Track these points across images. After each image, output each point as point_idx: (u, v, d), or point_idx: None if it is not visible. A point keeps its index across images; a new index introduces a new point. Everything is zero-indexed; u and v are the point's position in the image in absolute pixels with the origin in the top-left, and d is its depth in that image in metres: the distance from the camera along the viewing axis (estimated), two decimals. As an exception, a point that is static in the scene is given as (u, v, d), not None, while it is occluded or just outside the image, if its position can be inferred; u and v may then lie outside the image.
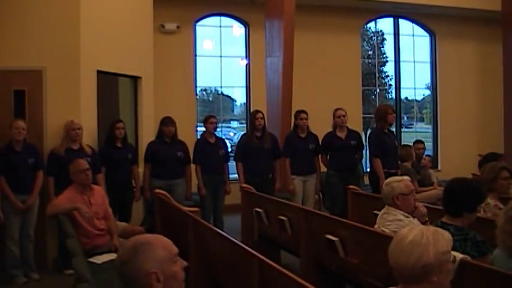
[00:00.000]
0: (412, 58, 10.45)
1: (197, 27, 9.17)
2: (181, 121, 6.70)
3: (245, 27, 9.44)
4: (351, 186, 5.52)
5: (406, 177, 3.57)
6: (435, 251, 1.74)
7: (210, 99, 11.02)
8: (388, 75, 11.36)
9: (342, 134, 6.34)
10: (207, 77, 9.51)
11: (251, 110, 7.44)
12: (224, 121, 11.59)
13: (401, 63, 10.38)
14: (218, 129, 8.12)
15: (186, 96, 8.84)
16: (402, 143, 8.69)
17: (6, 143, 5.11)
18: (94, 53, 5.73)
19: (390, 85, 11.07)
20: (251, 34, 9.30)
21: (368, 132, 8.65)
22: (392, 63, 10.47)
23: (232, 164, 6.48)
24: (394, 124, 7.91)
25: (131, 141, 6.26)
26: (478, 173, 5.30)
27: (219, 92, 10.14)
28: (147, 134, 6.51)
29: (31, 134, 5.27)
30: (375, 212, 3.92)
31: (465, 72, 10.29)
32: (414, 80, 10.57)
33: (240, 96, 10.45)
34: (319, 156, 6.52)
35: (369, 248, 3.37)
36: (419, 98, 11.23)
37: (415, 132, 10.80)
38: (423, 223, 3.37)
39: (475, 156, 6.86)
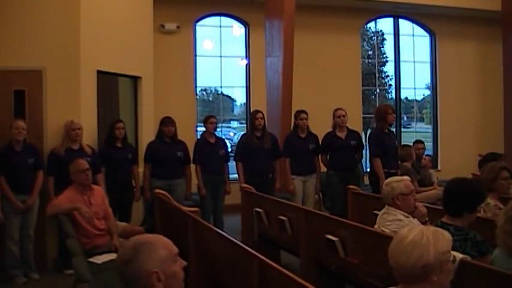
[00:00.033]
0: (412, 58, 10.45)
1: (197, 27, 9.17)
2: (181, 121, 6.71)
3: (245, 27, 9.44)
4: (351, 186, 5.52)
5: (406, 177, 3.57)
6: (435, 251, 1.74)
7: (210, 99, 11.02)
8: (388, 75, 11.37)
9: (341, 134, 6.34)
10: (207, 77, 9.51)
11: (251, 110, 7.44)
12: (224, 121, 11.59)
13: (401, 63, 10.38)
14: (218, 129, 8.12)
15: (186, 96, 8.84)
16: (402, 143, 8.70)
17: (6, 143, 5.11)
18: (94, 53, 5.73)
19: (390, 85, 11.07)
20: (251, 34, 9.30)
21: (368, 132, 8.65)
22: (392, 63, 10.47)
23: (232, 164, 6.48)
24: (394, 124, 7.91)
25: (131, 141, 6.26)
26: (478, 173, 5.30)
27: (219, 92, 10.14)
28: (147, 134, 6.52)
29: (31, 134, 5.27)
30: (375, 212, 3.92)
31: (465, 72, 10.29)
32: (414, 80, 10.57)
33: (240, 96, 10.46)
34: (319, 156, 6.52)
35: (369, 248, 3.37)
36: (419, 98, 11.23)
37: (415, 132, 10.80)
38: (423, 223, 3.37)
39: (475, 156, 6.86)
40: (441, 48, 10.33)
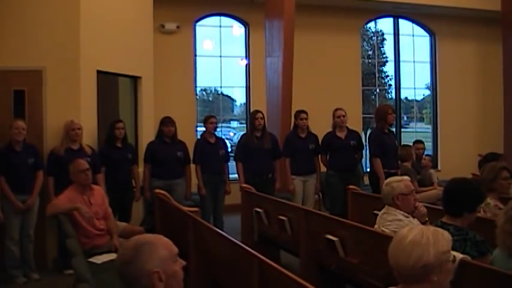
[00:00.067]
0: (412, 58, 10.45)
1: (197, 27, 9.16)
2: (181, 121, 6.70)
3: (245, 27, 9.44)
4: (350, 186, 5.52)
5: (406, 177, 3.57)
6: (435, 250, 1.74)
7: (210, 99, 11.02)
8: (388, 75, 11.37)
9: (341, 134, 6.34)
10: (207, 77, 9.51)
11: (251, 110, 7.44)
12: (224, 121, 11.59)
13: (401, 63, 10.38)
14: (218, 129, 8.11)
15: (186, 96, 8.84)
16: (402, 143, 8.70)
17: (6, 143, 5.11)
18: (94, 53, 5.73)
19: (390, 85, 11.08)
20: (251, 34, 9.30)
21: (368, 132, 8.65)
22: (392, 63, 10.47)
23: (232, 164, 6.48)
24: (394, 124, 7.91)
25: (131, 141, 6.26)
26: (478, 173, 5.29)
27: (219, 92, 10.14)
28: (147, 134, 6.52)
29: (31, 134, 5.27)
30: (375, 212, 3.92)
31: (465, 72, 10.29)
32: (414, 80, 10.57)
33: (240, 96, 10.46)
34: (319, 156, 6.52)
35: (369, 248, 3.37)
36: (419, 98, 11.23)
37: (415, 132, 10.80)
38: (423, 223, 3.37)
39: (475, 156, 6.86)
40: (441, 48, 10.33)
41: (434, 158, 9.81)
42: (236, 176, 6.34)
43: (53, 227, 5.14)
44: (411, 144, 7.55)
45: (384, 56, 11.13)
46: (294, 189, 6.33)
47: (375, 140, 6.07)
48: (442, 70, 10.31)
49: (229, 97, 11.14)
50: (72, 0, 5.60)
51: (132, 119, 6.61)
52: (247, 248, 3.05)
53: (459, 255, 2.52)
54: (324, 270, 4.01)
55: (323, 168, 6.55)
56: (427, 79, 10.64)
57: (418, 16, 10.18)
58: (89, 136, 5.68)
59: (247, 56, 9.39)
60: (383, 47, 11.14)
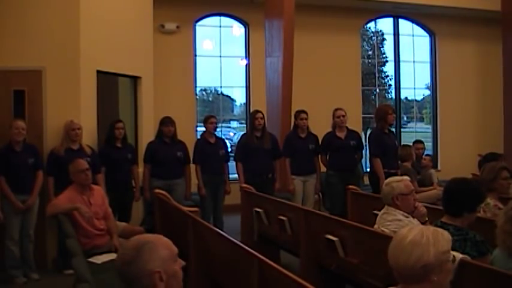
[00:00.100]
0: (411, 58, 10.45)
1: (197, 27, 9.16)
2: (181, 121, 6.71)
3: (245, 27, 9.44)
4: (350, 186, 5.52)
5: (406, 177, 3.57)
6: (435, 250, 1.74)
7: (210, 99, 11.01)
8: (388, 75, 11.36)
9: (341, 134, 6.34)
10: (206, 77, 9.51)
11: (251, 110, 7.44)
12: (224, 121, 11.58)
13: (401, 63, 10.38)
14: (218, 129, 8.11)
15: (186, 96, 8.84)
16: (402, 143, 8.69)
17: (6, 143, 5.11)
18: (94, 53, 5.73)
19: (390, 85, 11.07)
20: (251, 34, 9.30)
21: (368, 132, 8.65)
22: (392, 63, 10.47)
23: (232, 164, 6.48)
24: (394, 124, 7.91)
25: (131, 141, 6.26)
26: (478, 173, 5.29)
27: (219, 92, 10.14)
28: (147, 134, 6.52)
29: (31, 134, 5.27)
30: (375, 212, 3.92)
31: (465, 72, 10.29)
32: (414, 80, 10.57)
33: (239, 96, 10.45)
34: (319, 156, 6.52)
35: (369, 248, 3.37)
36: (419, 98, 11.23)
37: (415, 132, 10.80)
38: (423, 223, 3.37)
39: (475, 156, 6.85)
40: (441, 48, 10.33)
41: (434, 158, 9.80)
42: (236, 176, 6.34)
43: (53, 227, 5.14)
44: (411, 144, 7.55)
45: (384, 56, 11.12)
46: (293, 189, 6.33)
47: (375, 140, 6.08)
48: (442, 70, 10.31)
49: (229, 97, 11.14)
50: (72, 1, 5.60)
51: (132, 119, 6.61)
52: (247, 248, 3.05)
53: (459, 255, 2.52)
54: (324, 270, 4.01)
55: (323, 168, 6.54)
56: (427, 79, 10.64)
57: (418, 16, 10.18)
58: (89, 136, 5.68)
59: (247, 56, 9.38)
60: (383, 47, 11.14)
